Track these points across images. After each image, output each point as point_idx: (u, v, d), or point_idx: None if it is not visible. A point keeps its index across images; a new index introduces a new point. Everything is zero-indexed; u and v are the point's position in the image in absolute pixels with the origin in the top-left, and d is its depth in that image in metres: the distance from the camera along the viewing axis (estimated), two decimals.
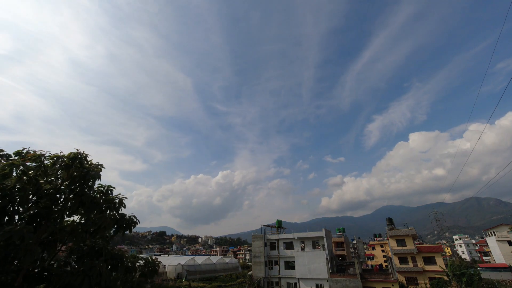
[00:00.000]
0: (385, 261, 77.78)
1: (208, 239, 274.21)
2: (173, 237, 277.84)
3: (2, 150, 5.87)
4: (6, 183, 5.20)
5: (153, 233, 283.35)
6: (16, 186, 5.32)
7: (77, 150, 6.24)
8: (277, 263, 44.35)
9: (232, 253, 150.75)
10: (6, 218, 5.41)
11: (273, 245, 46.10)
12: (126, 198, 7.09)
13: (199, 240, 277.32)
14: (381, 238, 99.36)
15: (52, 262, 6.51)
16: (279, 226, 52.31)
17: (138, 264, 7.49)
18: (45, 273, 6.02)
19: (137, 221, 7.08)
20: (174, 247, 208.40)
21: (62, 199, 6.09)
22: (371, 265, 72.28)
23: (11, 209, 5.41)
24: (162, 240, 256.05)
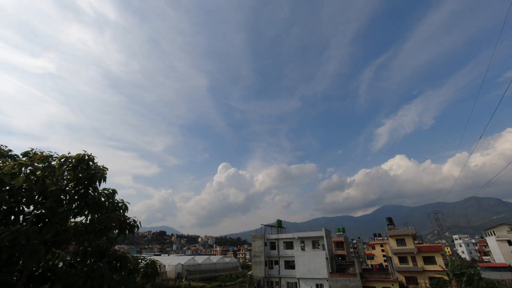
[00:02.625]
0: (385, 260, 77.84)
1: (208, 239, 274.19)
2: (173, 237, 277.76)
3: (10, 150, 5.91)
4: (13, 183, 5.25)
5: (153, 233, 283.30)
6: (23, 186, 5.36)
7: (84, 151, 6.28)
8: (277, 262, 44.42)
9: (232, 252, 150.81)
10: (12, 218, 5.46)
11: (273, 245, 46.17)
12: (129, 203, 7.18)
13: (199, 239, 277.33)
14: (381, 238, 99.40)
15: (56, 262, 6.56)
16: (279, 225, 52.35)
17: (140, 265, 7.52)
18: (48, 274, 6.06)
19: (139, 224, 7.12)
20: (174, 246, 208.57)
21: (67, 200, 6.14)
22: (371, 265, 72.33)
23: (17, 209, 5.46)
24: (162, 240, 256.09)
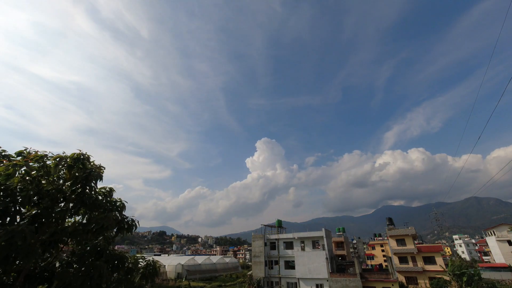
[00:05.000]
0: (385, 260, 77.78)
1: (208, 239, 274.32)
2: (173, 237, 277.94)
3: (4, 150, 5.87)
4: (8, 183, 5.21)
5: (153, 233, 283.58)
6: (18, 187, 5.33)
7: (80, 151, 6.26)
8: (277, 263, 44.38)
9: (232, 253, 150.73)
10: (8, 218, 5.42)
11: (273, 245, 46.14)
12: (127, 202, 7.15)
13: (199, 240, 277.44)
14: (381, 238, 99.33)
15: (53, 262, 6.52)
16: (279, 226, 52.36)
17: (140, 265, 7.46)
18: (46, 274, 6.03)
19: (137, 223, 7.10)
20: (174, 247, 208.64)
21: (63, 200, 6.11)
22: (371, 265, 72.29)
23: (13, 209, 5.43)
24: (162, 240, 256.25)
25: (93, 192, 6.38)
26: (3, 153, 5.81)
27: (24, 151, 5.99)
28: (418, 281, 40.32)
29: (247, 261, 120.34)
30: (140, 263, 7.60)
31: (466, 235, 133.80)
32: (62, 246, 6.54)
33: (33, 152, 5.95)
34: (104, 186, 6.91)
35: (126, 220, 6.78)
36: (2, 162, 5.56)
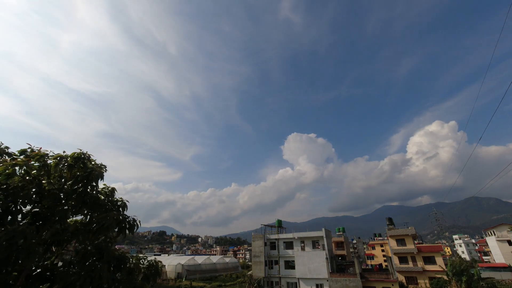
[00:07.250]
0: (385, 260, 77.78)
1: (208, 239, 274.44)
2: (173, 237, 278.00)
3: (7, 147, 5.85)
4: (8, 182, 5.19)
5: (153, 233, 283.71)
6: (19, 186, 5.31)
7: (80, 150, 6.24)
8: (277, 262, 44.39)
9: (232, 252, 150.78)
10: (9, 217, 5.41)
11: (273, 245, 46.14)
12: (128, 201, 7.11)
13: (199, 240, 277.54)
14: (381, 238, 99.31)
15: (54, 262, 6.51)
16: (279, 225, 52.39)
17: (141, 265, 7.37)
18: (47, 274, 6.01)
19: (138, 223, 7.05)
20: (174, 246, 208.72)
21: (65, 199, 6.09)
22: (371, 265, 72.33)
23: (13, 208, 5.41)
24: (162, 240, 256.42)
25: (94, 192, 6.36)
26: (6, 150, 5.80)
27: (28, 149, 5.97)
28: (418, 281, 40.34)
29: (247, 261, 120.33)
30: (142, 263, 7.49)
31: (466, 235, 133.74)
32: (64, 245, 6.53)
33: (37, 150, 5.91)
34: (106, 185, 6.88)
35: (127, 220, 6.75)
36: (5, 160, 5.55)
